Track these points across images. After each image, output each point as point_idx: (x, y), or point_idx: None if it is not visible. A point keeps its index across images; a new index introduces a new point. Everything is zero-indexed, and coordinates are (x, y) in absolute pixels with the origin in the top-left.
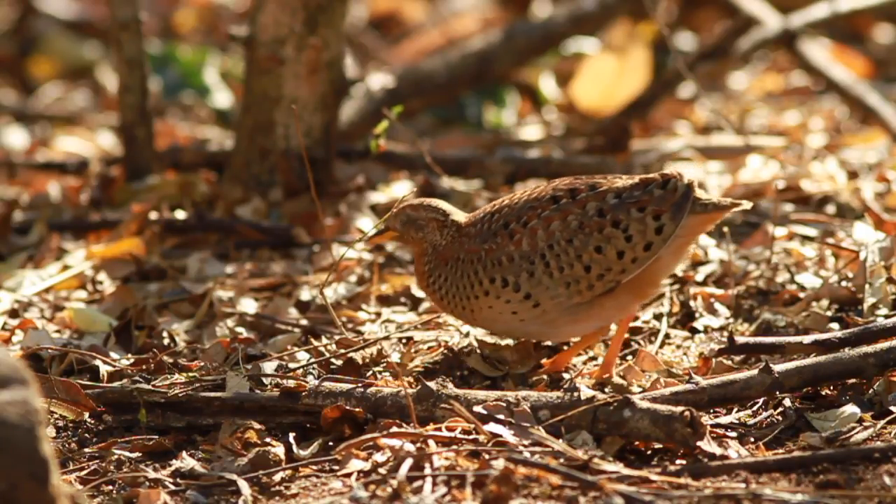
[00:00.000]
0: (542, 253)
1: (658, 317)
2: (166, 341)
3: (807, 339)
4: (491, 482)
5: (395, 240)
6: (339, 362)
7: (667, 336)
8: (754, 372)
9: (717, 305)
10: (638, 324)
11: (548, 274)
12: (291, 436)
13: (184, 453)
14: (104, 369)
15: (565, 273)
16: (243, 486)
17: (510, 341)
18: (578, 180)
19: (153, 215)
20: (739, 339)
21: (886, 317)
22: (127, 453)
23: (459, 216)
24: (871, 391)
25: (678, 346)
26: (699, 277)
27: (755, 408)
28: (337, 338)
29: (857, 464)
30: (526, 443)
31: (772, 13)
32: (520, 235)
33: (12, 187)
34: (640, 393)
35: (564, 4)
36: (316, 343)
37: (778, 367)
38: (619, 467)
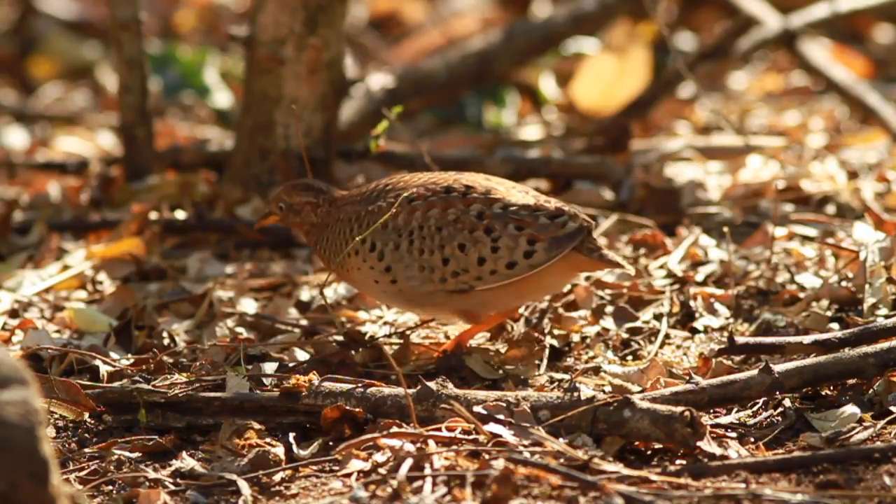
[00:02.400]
0: (412, 230)
1: (658, 317)
2: (166, 341)
3: (807, 339)
4: (491, 482)
5: (280, 223)
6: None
7: (667, 336)
8: (754, 372)
9: (717, 305)
10: (638, 324)
11: (409, 252)
12: (291, 436)
13: (184, 453)
14: (104, 369)
15: (424, 257)
16: (243, 486)
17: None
18: (480, 182)
19: (153, 215)
20: (739, 339)
21: (886, 317)
22: (127, 453)
23: (333, 192)
24: (871, 391)
25: (678, 346)
26: (699, 277)
27: (755, 408)
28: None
29: (857, 464)
30: (526, 443)
31: (772, 13)
32: (400, 209)
33: (12, 187)
34: (640, 393)
35: (564, 4)
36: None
37: (778, 368)
38: (619, 467)
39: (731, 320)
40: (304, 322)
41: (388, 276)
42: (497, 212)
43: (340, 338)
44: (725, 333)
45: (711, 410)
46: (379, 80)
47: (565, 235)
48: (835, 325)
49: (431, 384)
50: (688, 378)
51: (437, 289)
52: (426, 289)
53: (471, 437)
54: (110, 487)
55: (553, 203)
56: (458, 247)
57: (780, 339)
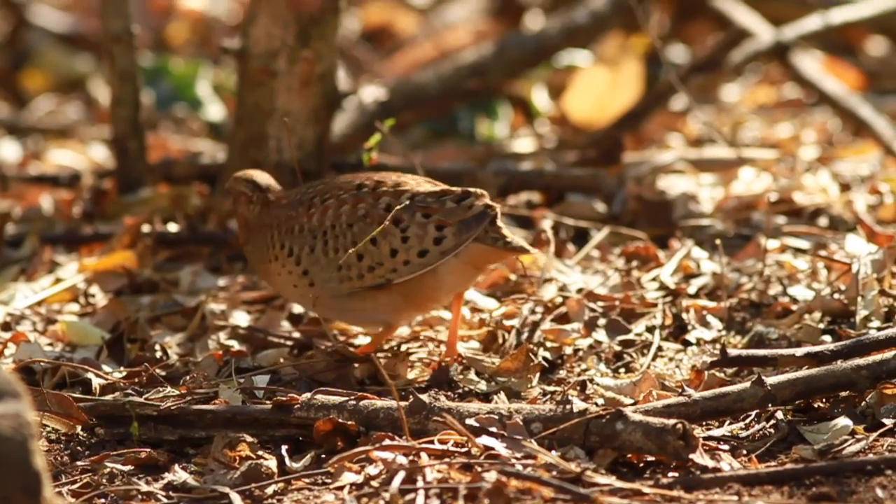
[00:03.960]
0: (325, 231)
1: (650, 329)
2: (158, 354)
3: (799, 351)
4: (483, 495)
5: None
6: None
7: (659, 348)
8: (747, 384)
9: (710, 318)
10: (630, 336)
11: (324, 253)
12: (284, 448)
13: (176, 466)
14: (96, 382)
15: (340, 255)
16: (236, 498)
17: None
18: (391, 176)
19: (145, 228)
20: (732, 352)
21: (879, 329)
22: (119, 466)
23: (272, 194)
24: (863, 404)
25: (670, 359)
26: (691, 290)
27: (748, 420)
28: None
29: (849, 476)
30: (518, 455)
31: (764, 26)
32: (315, 210)
33: (4, 200)
34: (632, 405)
35: (557, 17)
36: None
37: (770, 380)
38: (611, 480)
39: (724, 333)
40: (296, 334)
41: (305, 279)
42: (405, 202)
43: (330, 353)
44: (718, 346)
45: (704, 423)
46: (371, 93)
47: (473, 217)
48: (827, 338)
49: (424, 397)
50: (680, 391)
51: (356, 286)
52: (345, 288)
53: (463, 449)
54: (103, 500)
55: (460, 189)
56: (370, 241)
57: (773, 351)
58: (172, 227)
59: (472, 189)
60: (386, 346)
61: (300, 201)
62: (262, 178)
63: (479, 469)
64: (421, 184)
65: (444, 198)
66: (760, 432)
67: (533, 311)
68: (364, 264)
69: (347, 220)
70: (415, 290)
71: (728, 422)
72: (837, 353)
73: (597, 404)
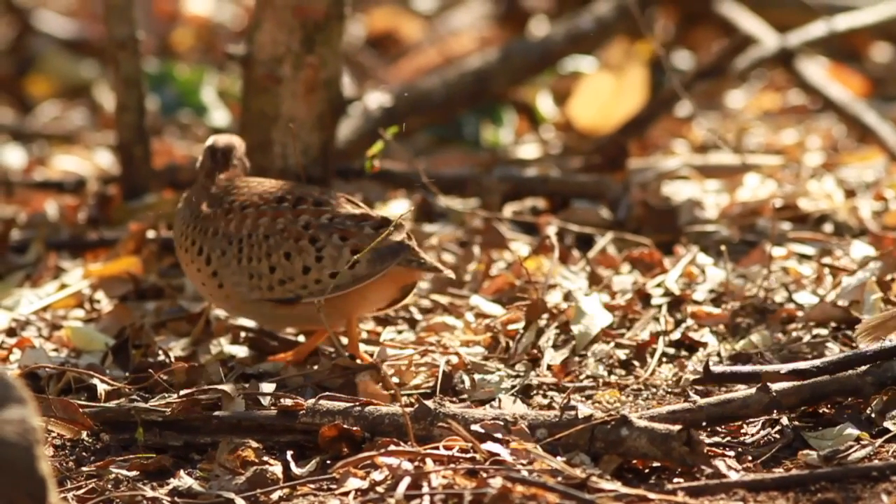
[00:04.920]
0: (241, 238)
1: (655, 335)
2: (163, 359)
3: (784, 368)
4: (489, 501)
5: None
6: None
7: (664, 355)
8: (752, 391)
9: (714, 324)
10: (634, 342)
11: (237, 259)
12: (289, 454)
13: (182, 472)
14: (102, 388)
15: (252, 264)
16: None
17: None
18: (314, 193)
19: (151, 234)
20: (715, 369)
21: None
22: (125, 472)
23: (219, 171)
24: (868, 410)
25: (675, 365)
26: (696, 296)
27: (753, 426)
28: (335, 358)
29: (854, 482)
30: (523, 461)
31: (769, 32)
32: (233, 216)
33: (9, 206)
34: (637, 412)
35: (562, 23)
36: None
37: (776, 386)
38: (616, 486)
39: (726, 339)
40: (301, 338)
41: (215, 280)
42: (324, 222)
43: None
44: (720, 354)
45: (709, 429)
46: (377, 99)
47: (388, 248)
48: (831, 345)
49: (429, 403)
50: (685, 397)
51: (265, 297)
52: (254, 296)
53: (468, 455)
54: None
55: (380, 214)
56: (284, 255)
57: (756, 367)
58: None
59: (390, 217)
60: (392, 354)
61: (222, 198)
62: (227, 148)
63: (485, 475)
64: (342, 204)
65: (363, 223)
66: (765, 438)
67: (537, 317)
68: (275, 277)
69: (264, 231)
70: (326, 306)
71: (733, 427)
72: (823, 369)
73: (601, 410)
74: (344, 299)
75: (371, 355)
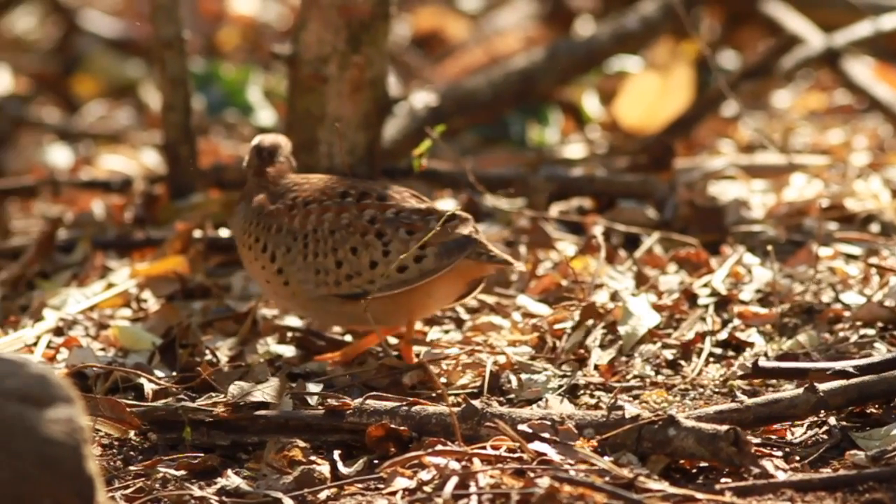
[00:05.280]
0: (306, 234)
1: (702, 335)
2: (210, 359)
3: (832, 366)
4: (536, 501)
5: None
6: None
7: (710, 355)
8: (800, 391)
9: (760, 324)
10: (670, 341)
11: (302, 255)
12: (336, 454)
13: (229, 471)
14: (149, 387)
15: (318, 260)
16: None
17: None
18: (377, 188)
19: (197, 233)
20: (764, 364)
21: None
22: (172, 471)
23: (271, 168)
24: None
25: (722, 365)
26: (743, 296)
27: (800, 426)
28: (383, 357)
29: None
30: (571, 461)
31: (815, 32)
32: (297, 212)
33: (56, 206)
34: (684, 412)
35: (608, 23)
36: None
37: (823, 387)
38: (664, 486)
39: (773, 339)
40: (348, 338)
41: (280, 277)
42: (389, 216)
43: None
44: (761, 355)
45: (756, 429)
46: (422, 99)
47: (455, 242)
48: (879, 345)
49: (476, 402)
50: (732, 397)
51: (331, 293)
52: (320, 292)
53: (516, 455)
54: None
55: (446, 209)
56: (351, 250)
57: (804, 365)
58: (224, 233)
59: (457, 212)
60: (440, 353)
61: (283, 196)
62: (273, 147)
63: (532, 475)
64: (406, 199)
65: (429, 217)
66: (813, 438)
67: (589, 318)
68: (342, 272)
69: (329, 226)
70: (386, 305)
71: (781, 427)
72: (866, 369)
73: (649, 410)
74: (409, 295)
75: (418, 355)
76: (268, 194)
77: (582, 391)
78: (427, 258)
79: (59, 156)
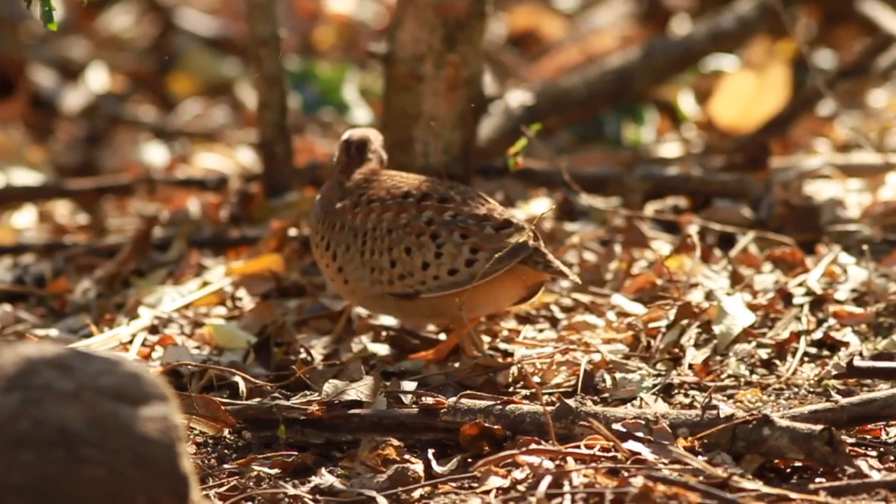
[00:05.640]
0: (365, 232)
1: (796, 335)
2: (305, 357)
3: None
4: (630, 500)
5: None
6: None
7: (805, 354)
8: (894, 390)
9: (856, 324)
10: (765, 340)
11: (360, 253)
12: (430, 452)
13: (323, 470)
14: (243, 386)
15: (374, 258)
16: (382, 502)
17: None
18: (440, 189)
19: (292, 232)
20: (859, 364)
21: None
22: (266, 469)
23: (358, 166)
24: None
25: (817, 365)
26: (838, 296)
27: (895, 426)
28: (475, 357)
29: None
30: (665, 461)
31: None
32: (360, 209)
33: (152, 204)
34: (778, 411)
35: (703, 22)
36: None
37: None
38: (758, 485)
39: (868, 339)
40: (442, 336)
41: (340, 276)
42: (446, 219)
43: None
44: (857, 354)
45: (851, 429)
46: (518, 98)
47: (508, 248)
48: None
49: (570, 402)
50: (827, 396)
51: (385, 291)
52: (375, 291)
53: (610, 454)
54: (250, 503)
55: (505, 215)
56: (405, 250)
57: None
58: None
59: (514, 220)
60: (533, 352)
61: (353, 192)
62: (361, 142)
63: (626, 474)
64: (467, 202)
65: (484, 222)
66: None
67: (685, 318)
68: (395, 272)
69: (387, 225)
70: (441, 306)
71: (876, 427)
72: None
73: (743, 410)
74: (460, 297)
75: (511, 354)
76: (343, 192)
77: (676, 390)
78: (478, 262)
79: (155, 154)
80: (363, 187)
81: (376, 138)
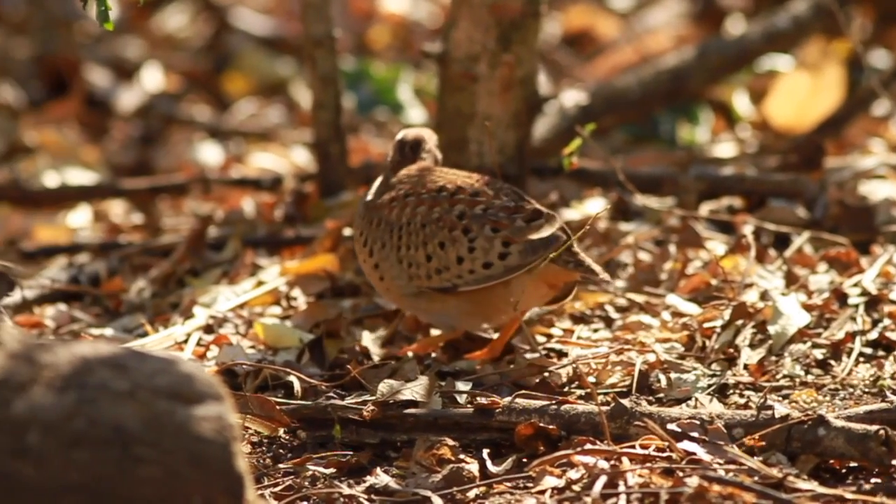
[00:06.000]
0: (400, 227)
1: (851, 335)
2: (360, 357)
3: None
4: (685, 500)
5: None
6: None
7: (860, 355)
8: None
9: None
10: (820, 340)
11: (395, 248)
12: (485, 452)
13: (378, 469)
14: (298, 385)
15: (410, 253)
16: (437, 502)
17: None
18: (473, 183)
19: (347, 231)
20: None
21: None
22: (321, 469)
23: (409, 163)
24: None
25: (872, 365)
26: (893, 296)
27: None
28: (529, 357)
29: None
30: (720, 461)
31: None
32: (396, 204)
33: (207, 203)
34: (834, 411)
35: (758, 22)
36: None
37: None
38: (813, 486)
39: None
40: (494, 335)
41: (377, 272)
42: (477, 213)
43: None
44: None
45: None
46: (572, 97)
47: (540, 240)
48: None
49: (625, 401)
50: (883, 397)
51: (424, 286)
52: (413, 287)
53: (665, 454)
54: (305, 503)
55: (534, 206)
56: (439, 245)
57: None
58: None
59: (544, 210)
60: (588, 352)
61: (392, 188)
62: (415, 141)
63: (681, 474)
64: (499, 195)
65: (515, 215)
66: None
67: (740, 318)
68: (432, 266)
69: (420, 220)
70: (484, 299)
71: None
72: None
73: (798, 410)
74: (493, 292)
75: (566, 354)
76: (385, 187)
77: (731, 390)
78: (511, 255)
79: (210, 153)
80: (404, 182)
81: (431, 138)
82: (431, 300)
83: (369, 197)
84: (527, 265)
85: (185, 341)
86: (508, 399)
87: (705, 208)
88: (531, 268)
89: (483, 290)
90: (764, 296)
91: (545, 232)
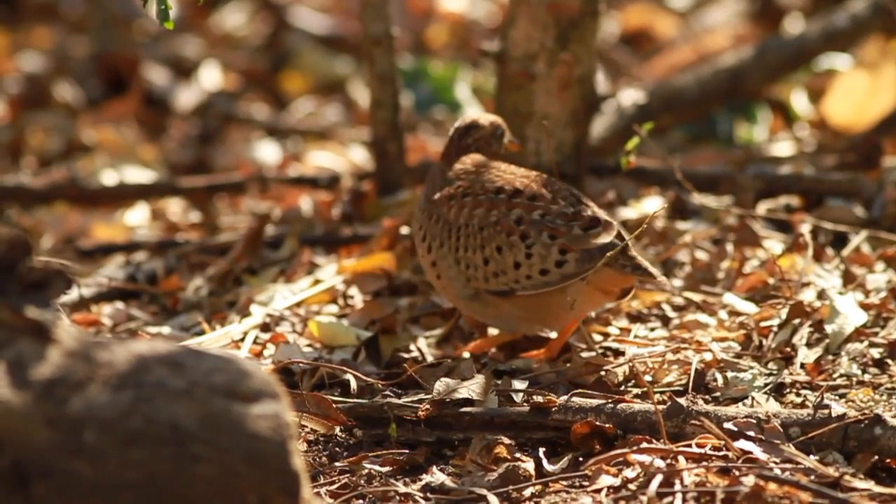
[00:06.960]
0: (459, 227)
1: None
2: (416, 356)
3: None
4: (741, 499)
5: None
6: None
7: None
8: None
9: None
10: (877, 339)
11: (453, 248)
12: (541, 451)
13: (434, 468)
14: (355, 384)
15: (468, 254)
16: (493, 500)
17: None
18: (533, 186)
19: (404, 230)
20: None
21: None
22: (377, 467)
23: (475, 150)
24: None
25: None
26: None
27: None
28: (586, 356)
29: None
30: (776, 460)
31: None
32: (454, 203)
33: (264, 202)
34: (891, 411)
35: (817, 21)
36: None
37: None
38: (870, 485)
39: None
40: (552, 335)
41: (434, 270)
42: (535, 218)
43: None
44: None
45: None
46: (630, 96)
47: (597, 248)
48: None
49: (681, 400)
50: None
51: (482, 288)
52: (470, 289)
53: (721, 453)
54: (361, 501)
55: (592, 212)
56: (496, 249)
57: None
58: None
59: (602, 217)
60: (644, 351)
61: (450, 183)
62: (464, 128)
63: (737, 473)
64: (556, 199)
65: (573, 223)
66: None
67: (797, 317)
68: (489, 269)
69: (479, 222)
70: (541, 304)
71: None
72: None
73: (855, 409)
74: (550, 298)
75: (622, 353)
76: (441, 178)
77: (788, 390)
78: (568, 263)
79: (268, 152)
80: (462, 178)
81: (488, 124)
82: (487, 304)
83: (430, 192)
84: (583, 272)
85: (242, 339)
86: (565, 398)
87: (763, 207)
88: (587, 275)
89: (539, 295)
90: (821, 295)
91: (602, 240)
